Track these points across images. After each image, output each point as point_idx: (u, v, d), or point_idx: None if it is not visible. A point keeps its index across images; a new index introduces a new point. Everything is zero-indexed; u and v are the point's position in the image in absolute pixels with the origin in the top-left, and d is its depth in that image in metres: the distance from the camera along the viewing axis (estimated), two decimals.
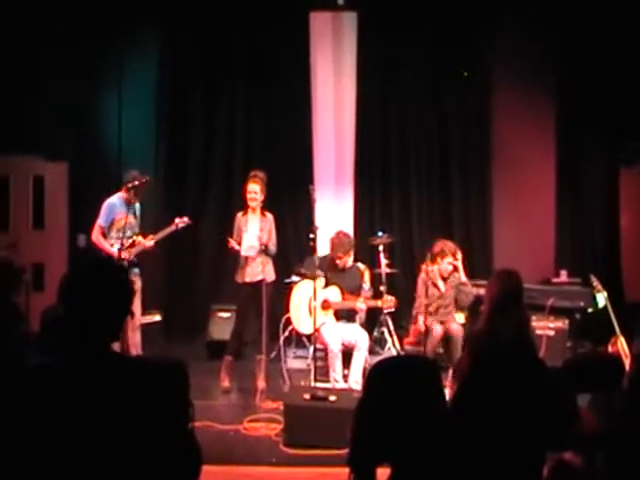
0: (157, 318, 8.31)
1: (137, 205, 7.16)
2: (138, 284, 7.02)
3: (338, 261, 7.12)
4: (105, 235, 7.01)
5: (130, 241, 6.99)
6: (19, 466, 2.14)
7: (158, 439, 2.22)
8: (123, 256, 6.83)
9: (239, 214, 7.07)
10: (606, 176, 9.28)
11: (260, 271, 6.95)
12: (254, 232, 6.96)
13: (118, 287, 2.34)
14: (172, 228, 7.15)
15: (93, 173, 9.12)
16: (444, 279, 7.45)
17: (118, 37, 9.14)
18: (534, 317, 7.48)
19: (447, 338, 7.13)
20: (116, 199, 7.04)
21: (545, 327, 7.43)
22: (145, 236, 7.11)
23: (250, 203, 6.97)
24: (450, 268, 7.42)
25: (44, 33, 8.79)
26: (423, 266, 7.38)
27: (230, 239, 6.95)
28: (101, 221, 6.99)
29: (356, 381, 6.67)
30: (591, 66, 9.03)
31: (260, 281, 6.93)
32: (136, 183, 6.93)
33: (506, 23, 9.29)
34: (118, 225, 6.97)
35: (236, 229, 7.00)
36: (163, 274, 9.36)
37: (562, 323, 7.48)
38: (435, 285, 7.39)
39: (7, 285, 4.21)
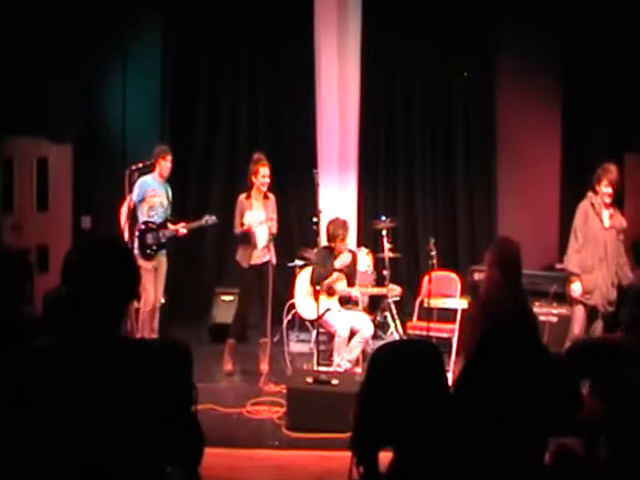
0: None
1: (170, 189, 7.37)
2: (164, 266, 7.36)
3: (337, 247, 7.06)
4: (135, 210, 7.13)
5: (164, 222, 7.24)
6: (22, 447, 2.15)
7: (161, 421, 2.23)
8: (148, 234, 7.13)
9: (242, 197, 7.03)
10: (610, 162, 9.24)
11: (265, 253, 6.97)
12: (263, 221, 6.95)
13: (123, 268, 2.33)
14: (201, 222, 7.44)
15: (97, 155, 9.14)
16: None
17: (121, 20, 9.14)
18: (537, 303, 7.48)
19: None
20: (149, 177, 7.22)
21: (548, 313, 7.43)
22: (174, 222, 7.31)
23: (262, 187, 6.96)
24: (610, 191, 6.42)
25: (48, 17, 8.75)
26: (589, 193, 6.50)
27: (244, 225, 6.93)
28: (133, 195, 7.10)
29: (349, 360, 6.71)
30: (596, 53, 8.95)
31: (265, 263, 6.94)
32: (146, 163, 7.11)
33: (510, 13, 9.25)
34: (150, 202, 7.17)
35: (239, 213, 6.97)
36: (166, 257, 9.36)
37: (565, 309, 7.47)
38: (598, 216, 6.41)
39: (22, 276, 4.23)
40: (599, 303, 6.40)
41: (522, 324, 3.35)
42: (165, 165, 7.26)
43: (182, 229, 7.34)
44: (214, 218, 7.44)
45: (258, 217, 6.95)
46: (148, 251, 7.11)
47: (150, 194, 7.17)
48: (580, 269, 6.41)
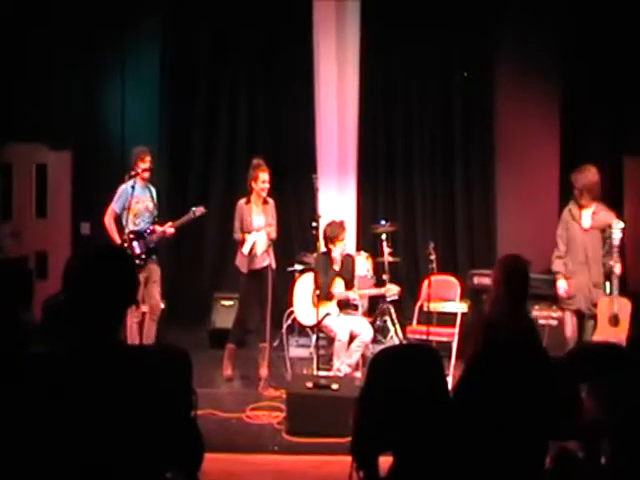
0: (160, 306, 8.33)
1: (154, 190, 7.22)
2: (157, 272, 7.19)
3: (333, 249, 7.06)
4: (119, 219, 7.02)
5: (150, 227, 7.09)
6: (22, 453, 2.15)
7: (161, 427, 2.22)
8: (134, 244, 6.95)
9: (241, 202, 7.01)
10: (609, 165, 9.25)
11: (265, 258, 6.95)
12: (262, 228, 6.94)
13: (122, 275, 2.33)
14: (190, 216, 7.23)
15: (96, 161, 9.13)
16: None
17: (120, 24, 9.14)
18: (537, 307, 7.48)
19: None
20: (130, 183, 7.01)
21: (548, 317, 7.42)
22: (161, 224, 7.17)
23: (262, 193, 6.94)
24: (582, 191, 6.50)
25: (46, 22, 8.76)
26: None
27: (243, 237, 6.92)
28: (114, 205, 7.02)
29: (349, 364, 6.69)
30: (596, 55, 8.96)
31: (265, 268, 6.93)
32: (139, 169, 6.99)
33: (510, 14, 9.27)
34: (135, 210, 7.00)
35: (238, 218, 6.96)
36: (165, 262, 9.35)
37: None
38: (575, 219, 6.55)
39: (22, 283, 4.25)
40: (583, 307, 6.51)
41: (523, 329, 3.34)
42: (144, 167, 7.05)
43: (169, 229, 7.14)
44: (201, 208, 7.24)
45: (258, 222, 6.94)
46: (137, 261, 6.91)
47: (133, 201, 6.94)
48: (564, 271, 6.63)
